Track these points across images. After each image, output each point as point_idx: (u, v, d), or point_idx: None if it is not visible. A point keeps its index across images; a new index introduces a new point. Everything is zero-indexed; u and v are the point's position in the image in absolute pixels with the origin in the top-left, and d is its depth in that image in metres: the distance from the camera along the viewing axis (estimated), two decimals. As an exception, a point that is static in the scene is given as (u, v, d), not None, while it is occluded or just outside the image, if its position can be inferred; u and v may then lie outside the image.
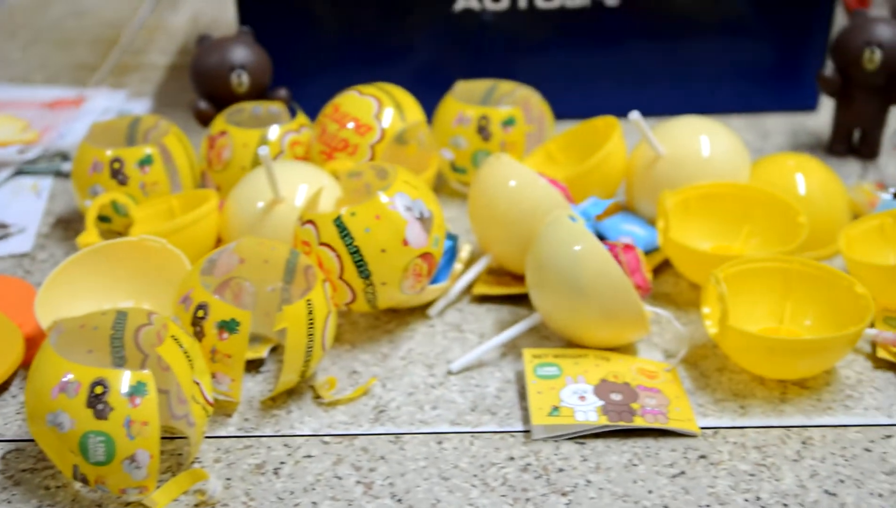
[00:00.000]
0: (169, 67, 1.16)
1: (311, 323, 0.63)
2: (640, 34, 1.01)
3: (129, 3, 1.34)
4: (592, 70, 1.02)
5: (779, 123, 1.01)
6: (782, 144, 0.97)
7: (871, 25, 0.89)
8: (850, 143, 0.95)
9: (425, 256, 0.68)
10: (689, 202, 0.77)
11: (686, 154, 0.79)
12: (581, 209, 0.68)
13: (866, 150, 0.93)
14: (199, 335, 0.62)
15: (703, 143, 0.80)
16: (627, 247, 0.68)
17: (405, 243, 0.67)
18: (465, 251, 0.75)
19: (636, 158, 0.82)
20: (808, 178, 0.79)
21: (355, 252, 0.66)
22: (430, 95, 0.89)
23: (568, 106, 1.01)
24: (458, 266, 0.74)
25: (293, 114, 0.85)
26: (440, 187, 0.90)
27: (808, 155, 0.82)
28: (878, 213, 0.76)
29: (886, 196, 0.79)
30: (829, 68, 0.91)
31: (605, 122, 0.84)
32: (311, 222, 0.68)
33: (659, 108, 1.02)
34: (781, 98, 1.04)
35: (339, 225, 0.66)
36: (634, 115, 0.78)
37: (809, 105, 1.04)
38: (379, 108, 0.80)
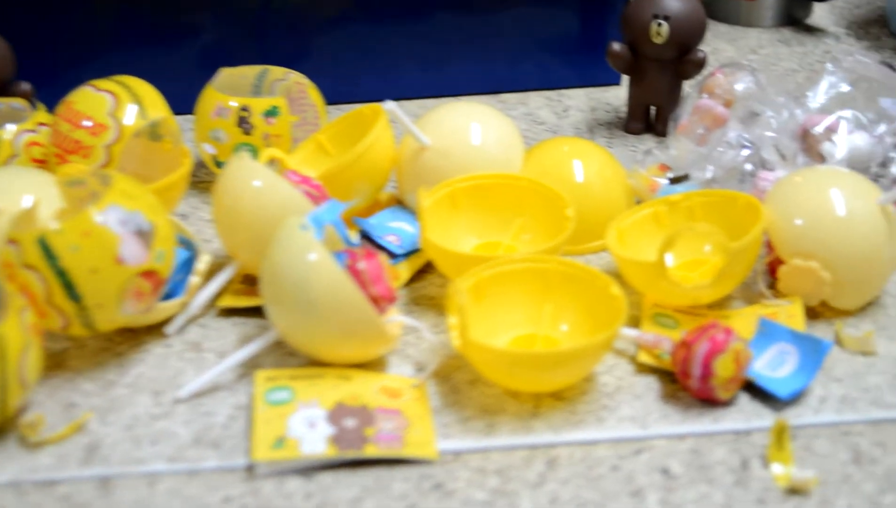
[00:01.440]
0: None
1: (2, 358, 0.56)
2: (436, 9, 0.95)
3: None
4: (386, 48, 0.96)
5: (579, 100, 0.97)
6: (580, 121, 0.93)
7: (659, -3, 0.85)
8: (648, 120, 0.91)
9: (147, 274, 0.62)
10: (456, 196, 0.72)
11: (453, 143, 0.74)
12: (314, 215, 0.62)
13: (661, 127, 0.89)
14: None
15: (472, 130, 0.74)
16: (369, 254, 0.62)
17: (119, 261, 0.60)
18: (203, 262, 0.68)
19: (404, 148, 0.76)
20: (585, 164, 0.75)
21: (62, 274, 0.59)
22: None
23: (364, 88, 0.95)
24: (194, 279, 0.67)
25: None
26: (207, 185, 0.83)
27: (584, 139, 0.78)
28: (652, 201, 0.72)
29: (664, 181, 0.74)
30: (618, 43, 0.87)
31: (371, 109, 0.78)
32: (14, 241, 0.60)
33: (458, 86, 0.98)
34: (583, 73, 0.99)
35: (43, 245, 0.59)
36: (389, 105, 0.72)
37: (613, 80, 0.99)
38: (116, 104, 0.73)
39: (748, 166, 0.74)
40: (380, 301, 0.62)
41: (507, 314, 0.64)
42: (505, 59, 0.98)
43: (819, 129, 0.74)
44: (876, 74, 0.77)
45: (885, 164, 0.76)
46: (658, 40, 0.84)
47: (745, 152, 0.74)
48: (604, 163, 0.75)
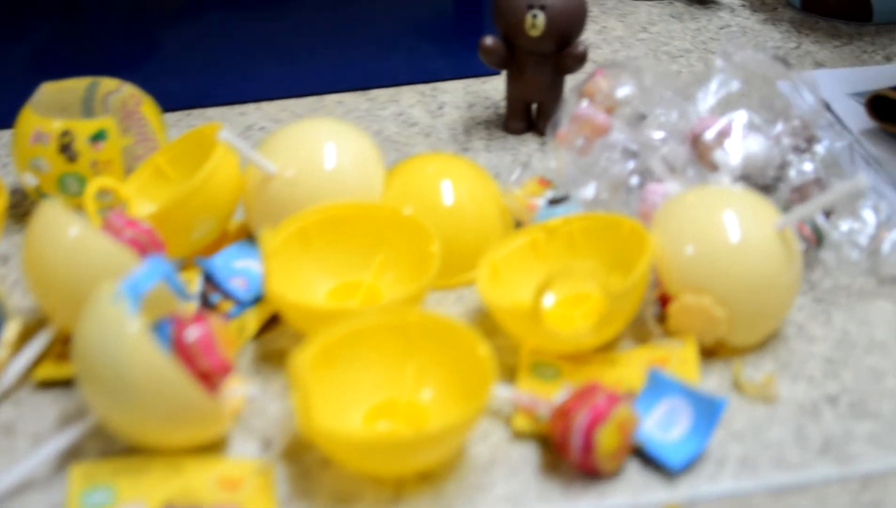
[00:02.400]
0: None
1: None
2: (288, 3, 0.86)
3: None
4: (240, 42, 0.87)
5: (455, 94, 0.88)
6: (456, 120, 0.84)
7: (534, -16, 0.76)
8: (529, 117, 0.83)
9: (-65, 357, 0.52)
10: (307, 231, 0.63)
11: (304, 169, 0.65)
12: (130, 282, 0.53)
13: (543, 125, 0.81)
14: None
15: (325, 153, 0.66)
16: (199, 318, 0.54)
17: None
18: (10, 331, 0.58)
19: (249, 175, 0.67)
20: (454, 185, 0.67)
21: None
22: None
23: (217, 90, 0.86)
24: (1, 352, 0.58)
25: None
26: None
27: (453, 154, 0.70)
28: (529, 227, 0.64)
29: (542, 202, 0.66)
30: (492, 36, 0.78)
31: (213, 128, 0.68)
32: None
33: (322, 83, 0.89)
34: (460, 62, 0.90)
35: None
36: (224, 134, 0.63)
37: (492, 69, 0.90)
38: None
39: (634, 180, 0.66)
40: (212, 376, 0.53)
41: (364, 378, 0.56)
42: (374, 50, 0.89)
43: (710, 134, 0.67)
44: (769, 69, 0.70)
45: (783, 166, 0.69)
46: (534, 33, 0.76)
47: (631, 165, 0.67)
48: (475, 182, 0.67)
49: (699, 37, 0.96)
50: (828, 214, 0.66)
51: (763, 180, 0.69)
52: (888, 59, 0.91)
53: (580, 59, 0.77)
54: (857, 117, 0.80)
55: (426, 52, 0.89)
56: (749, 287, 0.58)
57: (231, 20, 0.85)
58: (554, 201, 0.66)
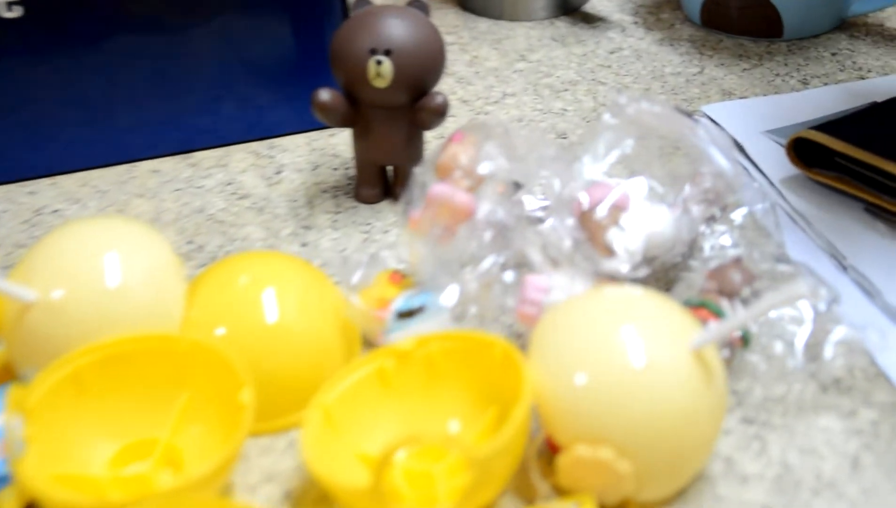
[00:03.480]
0: None
1: None
2: (96, 38, 0.69)
3: None
4: (26, 104, 0.70)
5: (297, 153, 0.73)
6: (297, 189, 0.69)
7: (376, 24, 0.61)
8: (385, 182, 0.68)
9: None
10: (81, 376, 0.48)
11: (75, 290, 0.49)
12: None
13: (402, 190, 0.66)
14: None
15: (104, 266, 0.50)
16: None
17: None
18: None
19: (6, 301, 0.51)
20: (279, 295, 0.51)
21: None
22: None
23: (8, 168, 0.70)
24: None
25: None
26: None
27: (273, 252, 0.55)
28: (373, 353, 0.49)
29: (389, 315, 0.51)
30: (328, 89, 0.63)
31: (-40, 240, 0.53)
32: None
33: (133, 147, 0.73)
34: (302, 113, 0.75)
35: None
36: (-53, 262, 0.47)
37: (341, 118, 0.75)
38: None
39: (508, 277, 0.52)
40: None
41: None
42: (196, 103, 0.73)
43: (602, 210, 0.53)
44: (669, 123, 0.56)
45: (695, 240, 0.56)
46: (380, 84, 0.61)
47: (503, 257, 0.52)
48: (307, 290, 0.52)
49: (586, 64, 0.82)
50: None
51: (672, 260, 0.55)
52: (804, 81, 0.79)
53: (438, 113, 0.63)
54: (777, 162, 0.67)
55: (261, 102, 0.74)
56: (660, 431, 0.44)
57: (14, 72, 0.68)
58: (404, 314, 0.51)
